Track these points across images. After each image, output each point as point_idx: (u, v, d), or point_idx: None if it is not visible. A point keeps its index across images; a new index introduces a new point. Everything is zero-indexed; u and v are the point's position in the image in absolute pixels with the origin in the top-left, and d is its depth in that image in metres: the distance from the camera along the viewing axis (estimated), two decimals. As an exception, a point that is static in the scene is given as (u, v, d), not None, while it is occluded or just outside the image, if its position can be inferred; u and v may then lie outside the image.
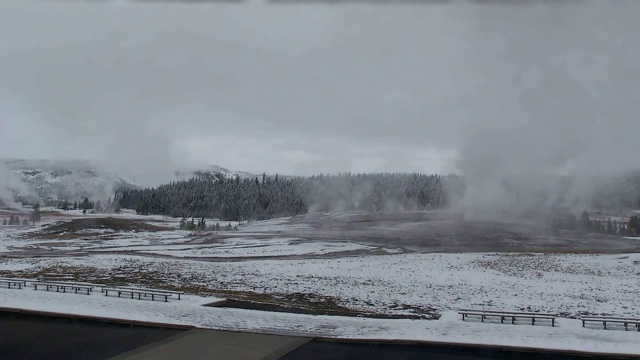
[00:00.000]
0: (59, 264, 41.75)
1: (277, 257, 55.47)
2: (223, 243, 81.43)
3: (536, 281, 35.30)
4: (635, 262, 44.52)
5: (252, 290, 31.03)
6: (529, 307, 26.07)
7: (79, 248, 70.23)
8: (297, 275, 37.53)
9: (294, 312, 23.57)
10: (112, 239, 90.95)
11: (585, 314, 24.03)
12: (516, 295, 29.78)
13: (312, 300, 27.83)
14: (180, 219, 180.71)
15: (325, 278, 36.23)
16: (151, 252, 60.53)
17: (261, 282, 34.23)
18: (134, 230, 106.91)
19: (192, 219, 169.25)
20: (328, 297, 28.61)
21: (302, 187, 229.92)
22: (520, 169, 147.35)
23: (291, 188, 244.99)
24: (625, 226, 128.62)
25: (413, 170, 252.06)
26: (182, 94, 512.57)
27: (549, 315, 22.66)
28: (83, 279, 33.77)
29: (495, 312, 23.20)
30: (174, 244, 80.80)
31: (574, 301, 28.11)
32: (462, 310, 23.34)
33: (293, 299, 27.95)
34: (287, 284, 33.54)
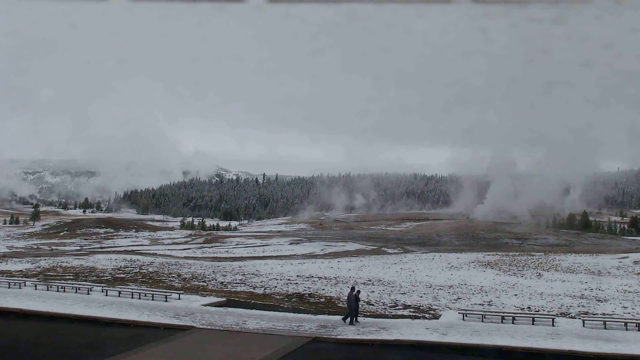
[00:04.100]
0: (59, 264, 41.74)
1: (277, 257, 55.46)
2: (223, 243, 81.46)
3: (536, 281, 35.30)
4: (635, 262, 44.52)
5: (252, 290, 31.03)
6: (529, 307, 26.07)
7: (79, 248, 70.29)
8: (297, 275, 37.52)
9: (294, 312, 23.56)
10: (112, 238, 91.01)
11: (585, 314, 24.03)
12: (516, 295, 29.79)
13: (312, 300, 27.82)
14: (180, 219, 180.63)
15: (325, 278, 36.23)
16: (151, 252, 60.53)
17: (261, 282, 34.23)
18: (134, 230, 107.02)
19: (192, 219, 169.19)
20: (328, 297, 28.62)
21: (302, 187, 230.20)
22: (521, 170, 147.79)
23: (291, 188, 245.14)
24: (625, 226, 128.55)
25: (413, 170, 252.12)
26: (182, 94, 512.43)
27: (549, 315, 22.65)
28: (83, 278, 33.76)
29: (495, 312, 23.18)
30: (174, 243, 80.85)
31: (574, 301, 28.11)
32: (462, 310, 23.32)
33: (293, 299, 27.94)
34: (287, 284, 33.53)
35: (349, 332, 19.21)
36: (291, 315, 22.77)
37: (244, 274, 37.98)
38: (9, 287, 28.64)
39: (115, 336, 18.69)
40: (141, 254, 55.09)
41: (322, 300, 27.88)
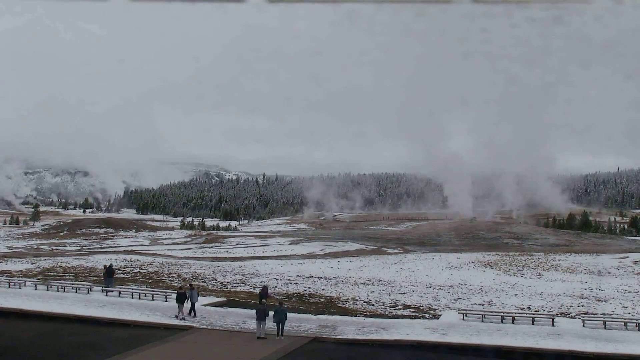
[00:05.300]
0: (59, 264, 41.72)
1: (277, 257, 55.44)
2: (223, 243, 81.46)
3: (536, 281, 35.29)
4: (635, 262, 44.51)
5: (252, 290, 31.03)
6: (529, 307, 26.06)
7: (79, 248, 70.27)
8: (297, 275, 37.51)
9: (294, 312, 23.55)
10: (112, 239, 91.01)
11: (585, 314, 24.02)
12: (516, 295, 29.78)
13: (312, 300, 27.82)
14: (180, 219, 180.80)
15: (325, 278, 36.22)
16: (151, 252, 60.49)
17: (261, 282, 34.21)
18: (134, 230, 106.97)
19: (192, 219, 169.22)
20: (328, 297, 28.62)
21: (302, 187, 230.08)
22: (520, 170, 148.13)
23: (291, 188, 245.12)
24: (625, 226, 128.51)
25: (413, 170, 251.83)
26: (182, 94, 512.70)
27: (549, 315, 22.64)
28: (83, 279, 33.75)
29: (495, 312, 23.17)
30: (174, 244, 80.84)
31: (574, 301, 28.11)
32: (462, 310, 23.31)
33: (293, 299, 27.95)
34: (287, 284, 33.54)
35: (349, 332, 19.23)
36: (291, 315, 22.76)
37: (244, 274, 37.97)
38: (9, 287, 28.64)
39: (115, 336, 18.69)
40: (141, 254, 55.06)
41: (322, 300, 27.89)
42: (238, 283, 33.80)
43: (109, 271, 28.64)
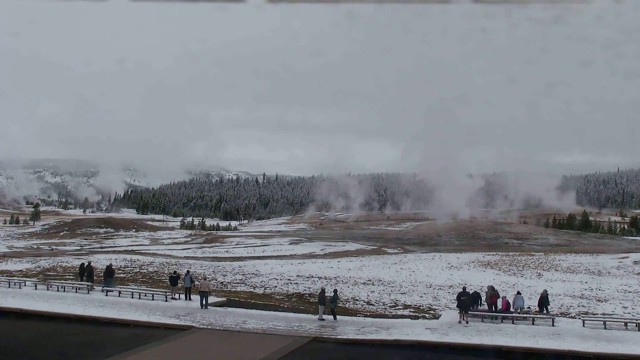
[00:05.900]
0: (59, 264, 41.72)
1: (277, 257, 55.44)
2: (223, 243, 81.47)
3: (536, 281, 35.29)
4: (635, 262, 44.49)
5: (252, 290, 31.03)
6: (529, 307, 26.04)
7: (79, 248, 70.26)
8: (297, 275, 37.52)
9: (294, 312, 23.56)
10: (113, 238, 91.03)
11: (585, 314, 24.01)
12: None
13: (312, 300, 27.79)
14: (180, 218, 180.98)
15: (326, 278, 36.22)
16: (151, 251, 60.48)
17: (261, 281, 34.23)
18: (134, 230, 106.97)
19: (192, 219, 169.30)
20: (328, 297, 28.56)
21: (302, 187, 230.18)
22: (520, 169, 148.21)
23: (291, 188, 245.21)
24: (625, 226, 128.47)
25: (413, 170, 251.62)
26: (181, 94, 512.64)
27: (549, 315, 22.64)
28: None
29: (495, 312, 23.15)
30: (174, 243, 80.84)
31: (574, 301, 28.11)
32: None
33: (293, 299, 27.96)
34: (287, 283, 33.54)
35: (349, 332, 19.23)
36: (291, 315, 22.77)
37: (244, 274, 37.97)
38: (9, 287, 28.62)
39: (115, 336, 18.69)
40: (141, 253, 55.05)
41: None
42: (238, 283, 33.80)
43: (109, 271, 28.67)
